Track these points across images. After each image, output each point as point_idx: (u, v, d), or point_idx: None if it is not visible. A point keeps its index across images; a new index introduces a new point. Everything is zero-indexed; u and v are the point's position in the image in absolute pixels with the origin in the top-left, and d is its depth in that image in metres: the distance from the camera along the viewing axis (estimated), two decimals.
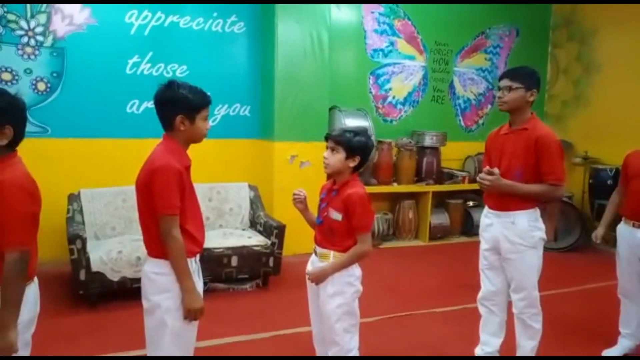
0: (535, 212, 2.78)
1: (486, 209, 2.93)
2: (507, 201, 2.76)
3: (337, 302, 2.34)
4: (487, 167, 2.78)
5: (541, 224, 2.79)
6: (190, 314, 2.04)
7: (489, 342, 3.00)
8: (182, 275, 2.02)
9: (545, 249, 2.86)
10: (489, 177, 2.71)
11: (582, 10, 6.67)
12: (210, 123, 5.39)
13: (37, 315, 1.93)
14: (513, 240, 2.75)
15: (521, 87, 2.71)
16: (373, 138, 5.57)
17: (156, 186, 1.99)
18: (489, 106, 7.00)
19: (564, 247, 5.87)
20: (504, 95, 2.75)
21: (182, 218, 2.05)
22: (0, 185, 1.70)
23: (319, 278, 2.37)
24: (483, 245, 2.95)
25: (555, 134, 2.75)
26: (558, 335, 3.53)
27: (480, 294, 3.01)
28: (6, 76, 4.59)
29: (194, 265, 2.12)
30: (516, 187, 2.71)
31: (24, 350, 1.85)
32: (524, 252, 2.75)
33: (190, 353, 2.18)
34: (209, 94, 2.14)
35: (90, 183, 4.53)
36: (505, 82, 2.75)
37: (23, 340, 1.82)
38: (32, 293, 1.86)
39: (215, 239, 4.27)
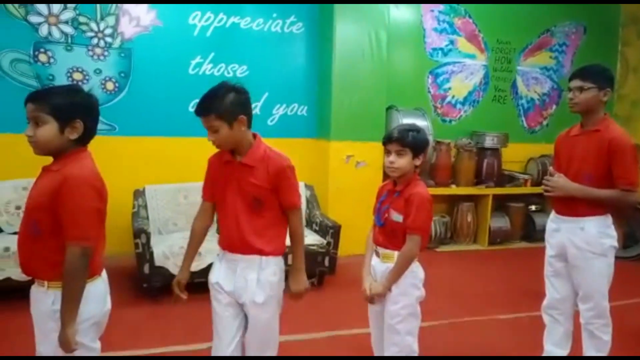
0: (607, 219, 2.64)
1: (553, 214, 2.81)
2: (575, 206, 2.64)
3: (402, 304, 2.31)
4: (550, 169, 2.70)
5: (613, 231, 2.64)
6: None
7: (553, 352, 2.88)
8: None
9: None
10: (549, 178, 2.69)
11: None
12: (269, 123, 5.53)
13: (107, 312, 1.94)
14: (580, 246, 2.63)
15: (594, 87, 2.58)
16: (430, 137, 5.50)
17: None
18: (554, 106, 6.73)
19: (633, 255, 5.57)
20: (575, 97, 2.62)
21: None
22: (67, 180, 1.73)
23: (382, 296, 2.34)
24: (549, 252, 2.84)
25: (629, 136, 2.61)
26: (628, 348, 3.34)
27: (545, 302, 2.90)
28: (77, 76, 4.81)
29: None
30: (585, 191, 2.59)
31: (91, 347, 1.87)
32: (593, 260, 2.62)
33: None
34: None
35: (155, 179, 4.69)
36: (577, 83, 2.62)
37: (88, 337, 1.84)
38: (98, 289, 1.88)
39: None
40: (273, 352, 2.23)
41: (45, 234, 1.78)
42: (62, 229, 1.75)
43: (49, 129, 1.77)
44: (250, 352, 2.20)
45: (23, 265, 1.87)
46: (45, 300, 1.80)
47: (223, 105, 2.01)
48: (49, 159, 1.85)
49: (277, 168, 2.09)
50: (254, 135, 2.16)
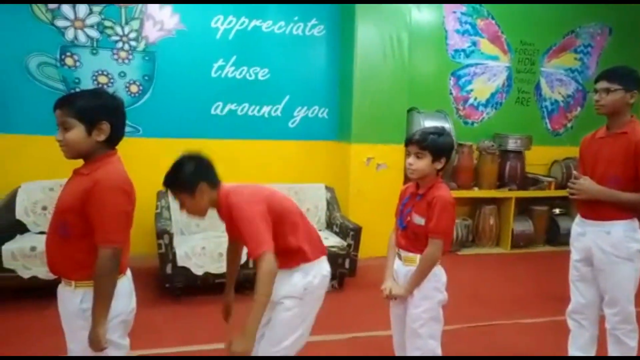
0: (633, 223, 2.59)
1: (578, 217, 2.77)
2: (601, 209, 2.59)
3: (424, 307, 2.30)
4: (574, 173, 2.66)
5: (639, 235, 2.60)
6: None
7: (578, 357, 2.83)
8: None
9: None
10: (575, 181, 2.64)
11: None
12: (290, 125, 5.57)
13: (133, 310, 1.98)
14: (607, 250, 2.58)
15: (620, 89, 2.53)
16: (453, 138, 5.46)
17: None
18: (579, 108, 6.63)
19: None
20: (601, 98, 2.58)
21: None
22: (98, 184, 1.78)
23: (403, 297, 2.34)
24: (574, 256, 2.79)
25: None
26: None
27: (570, 307, 2.85)
28: (102, 79, 4.90)
29: None
30: (611, 195, 2.54)
31: (120, 344, 1.92)
32: (619, 264, 2.57)
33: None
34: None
35: None
36: (603, 84, 2.58)
37: (117, 333, 1.89)
38: (125, 287, 1.93)
39: None
40: (281, 352, 2.16)
41: (74, 236, 1.82)
42: (91, 231, 1.79)
43: (77, 133, 1.82)
44: (257, 345, 2.15)
45: (51, 265, 1.91)
46: (73, 299, 1.85)
47: (181, 179, 2.08)
48: (75, 162, 1.90)
49: (231, 212, 2.04)
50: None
